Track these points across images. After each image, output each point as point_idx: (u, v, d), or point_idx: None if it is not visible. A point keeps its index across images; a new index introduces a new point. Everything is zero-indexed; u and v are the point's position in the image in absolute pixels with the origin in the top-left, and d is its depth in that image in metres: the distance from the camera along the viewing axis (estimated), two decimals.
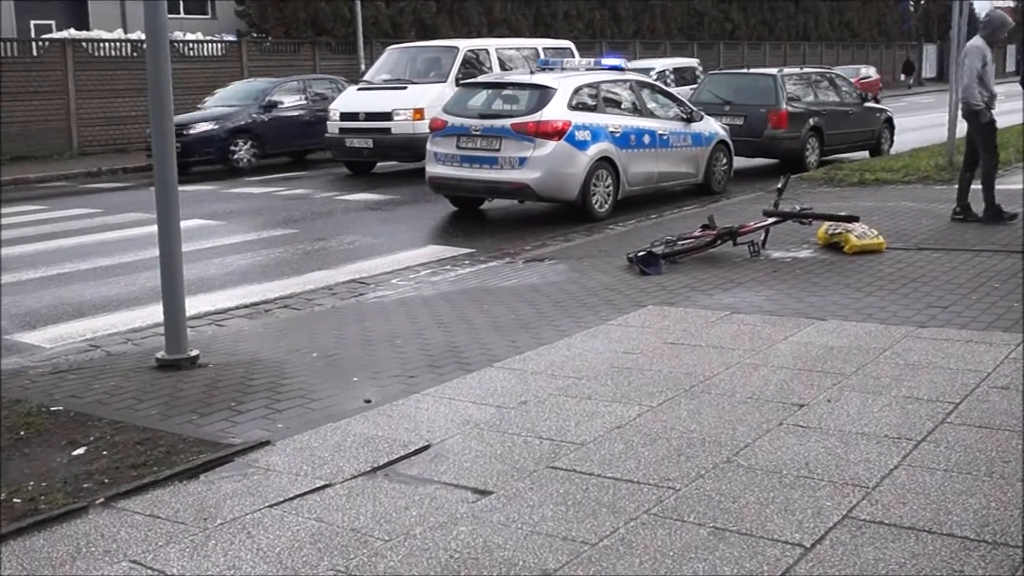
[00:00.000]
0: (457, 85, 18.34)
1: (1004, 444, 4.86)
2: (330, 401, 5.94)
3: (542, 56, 20.44)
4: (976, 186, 11.12)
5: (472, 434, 5.31)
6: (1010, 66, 70.38)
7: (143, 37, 6.18)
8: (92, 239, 12.91)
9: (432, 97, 18.82)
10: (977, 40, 11.04)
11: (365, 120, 19.52)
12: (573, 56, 20.84)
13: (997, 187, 11.15)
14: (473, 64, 19.89)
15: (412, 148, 18.62)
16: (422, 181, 14.49)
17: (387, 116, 19.14)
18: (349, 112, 19.88)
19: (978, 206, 11.15)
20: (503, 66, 20.29)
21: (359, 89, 20.73)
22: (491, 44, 21.31)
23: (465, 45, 20.65)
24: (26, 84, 24.45)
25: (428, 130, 15.95)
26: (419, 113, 18.73)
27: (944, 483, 4.43)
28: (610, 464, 4.80)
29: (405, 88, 19.66)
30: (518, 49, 21.58)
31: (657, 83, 15.73)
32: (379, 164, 20.52)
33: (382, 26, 33.57)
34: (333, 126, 20.07)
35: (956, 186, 11.56)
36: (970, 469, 4.58)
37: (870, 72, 35.34)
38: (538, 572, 3.83)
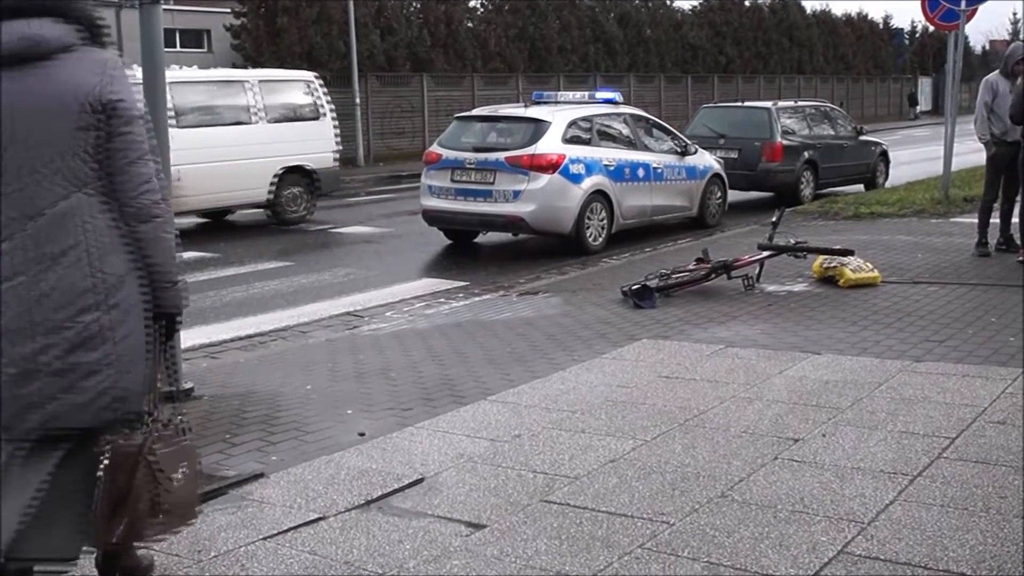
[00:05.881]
0: None
1: (1001, 480, 4.85)
2: (324, 434, 5.92)
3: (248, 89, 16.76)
4: (1015, 219, 11.08)
5: (466, 467, 5.30)
6: None
7: (138, 74, 6.16)
8: None
9: None
10: (991, 74, 11.14)
11: None
12: (313, 84, 17.70)
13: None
14: None
15: None
16: (416, 214, 14.51)
17: None
18: None
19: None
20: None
21: None
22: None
23: None
24: None
25: None
26: None
27: (940, 519, 4.42)
28: (604, 498, 4.78)
29: None
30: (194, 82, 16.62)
31: (652, 117, 15.76)
32: None
33: (377, 60, 33.68)
34: None
35: (988, 220, 11.33)
36: (966, 505, 4.56)
37: None
38: None
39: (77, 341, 3.34)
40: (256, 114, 16.76)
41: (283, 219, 17.24)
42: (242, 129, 16.58)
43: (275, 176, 16.95)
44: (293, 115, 17.43)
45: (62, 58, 3.36)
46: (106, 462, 3.47)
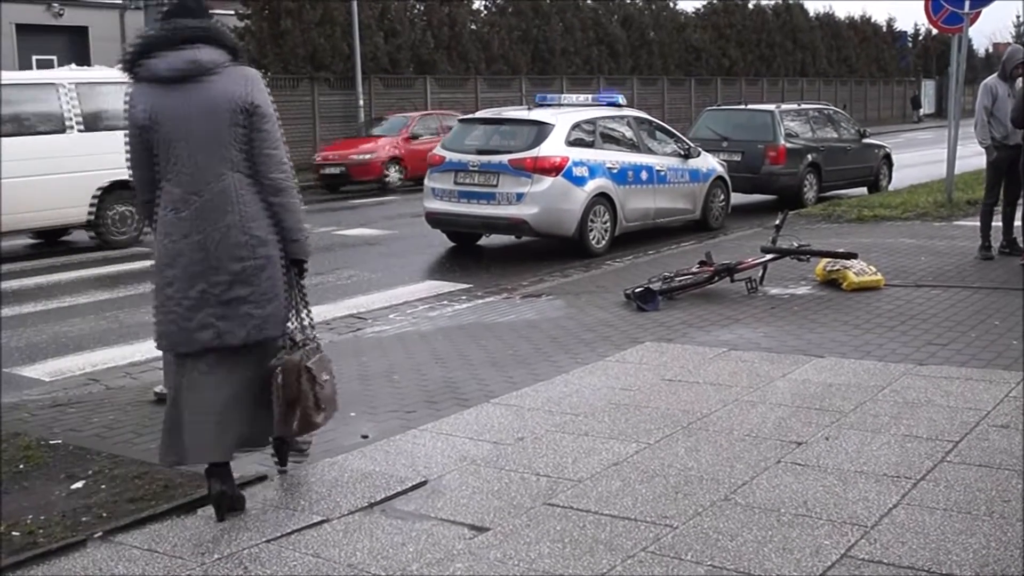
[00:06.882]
0: None
1: (1004, 483, 4.84)
2: (327, 436, 5.90)
3: None
4: (1018, 223, 11.09)
5: (469, 470, 5.30)
6: None
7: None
8: (92, 273, 12.91)
9: None
10: (990, 78, 11.13)
11: None
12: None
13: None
14: None
15: None
16: (419, 217, 14.51)
17: None
18: None
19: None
20: None
21: None
22: None
23: None
24: None
25: None
26: None
27: (943, 522, 4.42)
28: (607, 501, 4.79)
29: None
30: None
31: (655, 119, 15.75)
32: None
33: (380, 62, 33.69)
34: None
35: (990, 223, 11.28)
36: (970, 508, 4.56)
37: None
38: None
39: (235, 279, 4.60)
40: (71, 122, 14.55)
41: (108, 242, 15.03)
42: (54, 139, 14.39)
43: (96, 193, 14.72)
44: (119, 122, 14.16)
45: (216, 74, 4.60)
46: (280, 373, 4.71)
